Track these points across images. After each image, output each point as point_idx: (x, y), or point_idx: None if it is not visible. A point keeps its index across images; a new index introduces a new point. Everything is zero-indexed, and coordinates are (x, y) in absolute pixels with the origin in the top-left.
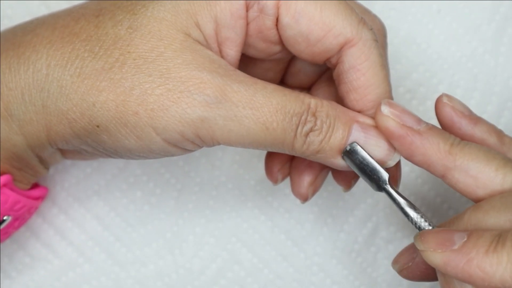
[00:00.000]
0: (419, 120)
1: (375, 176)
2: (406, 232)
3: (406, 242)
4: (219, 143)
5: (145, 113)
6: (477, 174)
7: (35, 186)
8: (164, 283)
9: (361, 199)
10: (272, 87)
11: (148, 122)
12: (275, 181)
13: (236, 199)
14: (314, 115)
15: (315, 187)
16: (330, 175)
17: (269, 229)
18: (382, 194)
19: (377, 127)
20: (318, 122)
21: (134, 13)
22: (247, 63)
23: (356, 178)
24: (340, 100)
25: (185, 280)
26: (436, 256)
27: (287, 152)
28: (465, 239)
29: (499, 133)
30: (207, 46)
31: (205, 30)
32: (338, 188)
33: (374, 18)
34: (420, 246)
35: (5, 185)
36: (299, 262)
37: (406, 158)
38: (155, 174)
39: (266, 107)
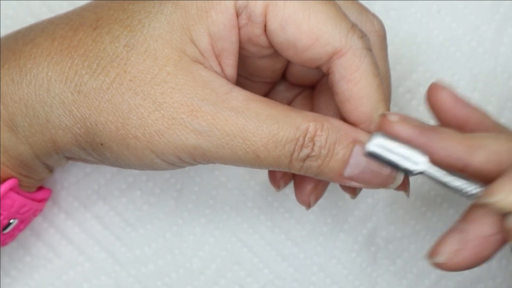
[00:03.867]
0: (423, 122)
1: (409, 164)
2: (406, 232)
3: (406, 242)
4: (217, 163)
5: (143, 137)
6: (496, 148)
7: (39, 187)
8: (164, 283)
9: (361, 199)
10: (266, 113)
11: (147, 145)
12: (277, 188)
13: (236, 199)
14: (312, 140)
15: (316, 195)
16: None
17: (269, 229)
18: (382, 194)
19: None
20: (316, 148)
21: (131, 30)
22: (244, 60)
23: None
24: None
25: (185, 279)
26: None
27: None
28: None
29: (491, 117)
30: (204, 61)
31: (200, 45)
32: (339, 188)
33: (373, 18)
34: (492, 198)
35: (11, 189)
36: (299, 262)
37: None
38: (155, 173)
39: (257, 136)
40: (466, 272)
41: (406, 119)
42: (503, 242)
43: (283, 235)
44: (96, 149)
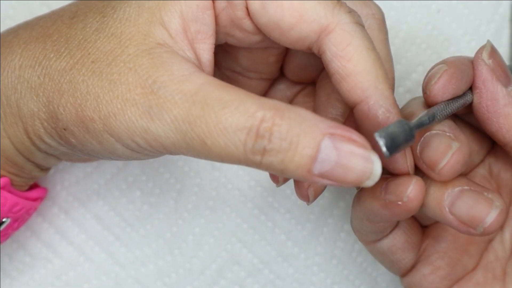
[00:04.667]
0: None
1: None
2: None
3: None
4: (176, 154)
5: (99, 119)
6: None
7: (34, 186)
8: (163, 283)
9: None
10: (217, 97)
11: (104, 128)
12: (276, 182)
13: (236, 200)
14: (269, 130)
15: (315, 189)
16: None
17: (269, 229)
18: None
19: (355, 137)
20: (274, 140)
21: (103, 15)
22: (235, 54)
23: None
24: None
25: (184, 280)
26: None
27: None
28: None
29: None
30: (173, 44)
31: (170, 27)
32: (339, 187)
33: (369, 3)
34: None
35: (3, 187)
36: (300, 262)
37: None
38: (155, 174)
39: (203, 122)
40: None
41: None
42: None
43: (284, 236)
44: (62, 136)
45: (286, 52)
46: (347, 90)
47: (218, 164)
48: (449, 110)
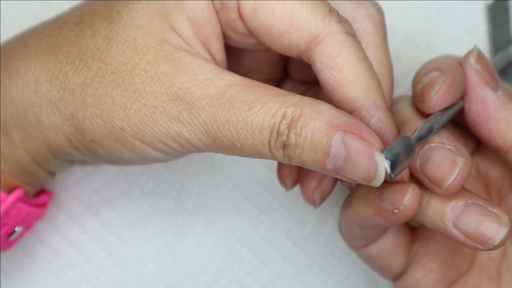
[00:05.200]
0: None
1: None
2: None
3: None
4: (207, 152)
5: (129, 128)
6: None
7: (41, 191)
8: (164, 283)
9: None
10: (242, 99)
11: (135, 136)
12: (285, 187)
13: (236, 199)
14: (288, 126)
15: (321, 192)
16: None
17: (269, 229)
18: None
19: (367, 135)
20: (291, 136)
21: (110, 21)
22: (239, 55)
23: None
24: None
25: (185, 279)
26: None
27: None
28: None
29: None
30: (189, 49)
31: (181, 32)
32: (339, 187)
33: (367, 4)
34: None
35: (18, 199)
36: (300, 262)
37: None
38: (155, 173)
39: (230, 124)
40: None
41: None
42: None
43: (284, 235)
44: (89, 148)
45: None
46: (338, 100)
47: (218, 163)
48: (445, 119)
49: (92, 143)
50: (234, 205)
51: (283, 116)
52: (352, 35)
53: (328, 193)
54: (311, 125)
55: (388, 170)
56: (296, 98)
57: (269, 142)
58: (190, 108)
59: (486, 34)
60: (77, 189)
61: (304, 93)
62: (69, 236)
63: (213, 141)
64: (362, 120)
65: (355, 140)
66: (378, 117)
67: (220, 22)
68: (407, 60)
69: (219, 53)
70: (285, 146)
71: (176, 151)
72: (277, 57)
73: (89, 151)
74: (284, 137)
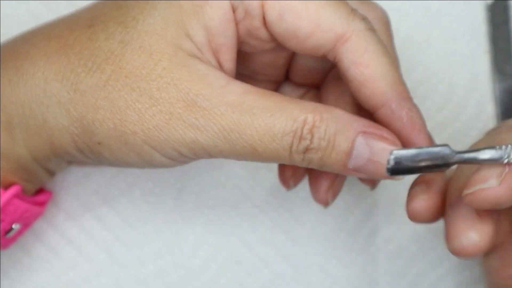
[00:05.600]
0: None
1: (439, 162)
2: (406, 232)
3: (406, 241)
4: (219, 157)
5: (142, 132)
6: None
7: (40, 190)
8: (163, 283)
9: (361, 199)
10: (262, 106)
11: (146, 141)
12: (287, 187)
13: (236, 199)
14: (310, 131)
15: (334, 191)
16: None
17: (269, 228)
18: (382, 194)
19: (385, 134)
20: (315, 140)
21: (125, 26)
22: (245, 58)
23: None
24: (354, 96)
25: (185, 279)
26: None
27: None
28: None
29: None
30: (201, 56)
31: (196, 40)
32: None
33: (374, 5)
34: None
35: (15, 195)
36: (299, 262)
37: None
38: (155, 173)
39: (253, 130)
40: (466, 272)
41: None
42: None
43: (283, 235)
44: (94, 150)
45: (293, 56)
46: (367, 95)
47: (218, 163)
48: (479, 160)
49: (99, 146)
50: (234, 205)
51: (305, 122)
52: (374, 30)
53: (339, 192)
54: (333, 128)
55: (389, 165)
56: (311, 104)
57: (291, 146)
58: (208, 115)
59: (486, 34)
60: (77, 189)
61: (302, 96)
62: (69, 236)
63: (232, 147)
64: (394, 112)
65: (378, 141)
66: (408, 107)
67: (238, 32)
68: (407, 60)
69: (228, 63)
70: (307, 150)
71: (184, 157)
72: (284, 60)
73: (93, 153)
74: (308, 142)
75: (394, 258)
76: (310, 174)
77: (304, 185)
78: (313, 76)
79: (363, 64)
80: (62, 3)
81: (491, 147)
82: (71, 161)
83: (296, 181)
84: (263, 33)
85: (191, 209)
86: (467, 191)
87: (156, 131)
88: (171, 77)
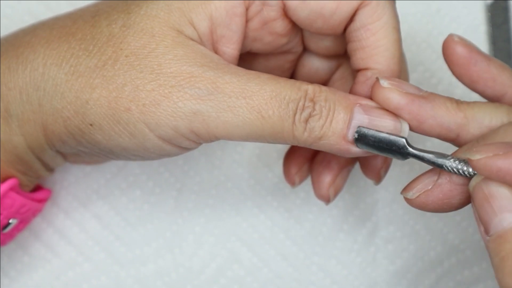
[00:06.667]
0: (419, 88)
1: (394, 148)
2: (405, 232)
3: (406, 241)
4: (216, 137)
5: (137, 109)
6: (491, 122)
7: (39, 188)
8: (163, 282)
9: (361, 199)
10: (266, 76)
11: (140, 118)
12: (292, 184)
13: (236, 198)
14: (312, 100)
15: (336, 188)
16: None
17: (268, 228)
18: (382, 194)
19: (380, 106)
20: (317, 107)
21: (128, 12)
22: (251, 61)
23: (384, 168)
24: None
25: (184, 279)
26: (497, 161)
27: (289, 143)
28: None
29: (509, 70)
30: (201, 43)
31: (199, 28)
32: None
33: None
34: (476, 156)
35: (11, 189)
36: (299, 262)
37: (416, 129)
38: (155, 173)
39: (260, 95)
40: (466, 272)
41: (399, 86)
42: (469, 198)
43: (283, 235)
44: (86, 133)
45: (298, 58)
46: (361, 57)
47: (218, 162)
48: (432, 161)
49: (90, 127)
50: (234, 204)
51: (307, 91)
52: (393, 3)
53: (341, 188)
54: (333, 98)
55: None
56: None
57: (295, 114)
58: (212, 83)
59: (486, 34)
60: (77, 189)
61: None
62: (69, 236)
63: (236, 116)
64: (372, 78)
65: (375, 109)
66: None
67: (253, 26)
68: (408, 60)
69: (226, 56)
70: (310, 117)
71: (180, 137)
72: (289, 63)
73: (84, 137)
74: (310, 109)
75: (393, 258)
76: (313, 170)
77: (304, 186)
78: (318, 76)
79: (371, 31)
80: (62, 3)
81: (443, 155)
82: (66, 155)
83: (301, 178)
84: (279, 25)
85: (191, 208)
86: (405, 194)
87: (153, 106)
88: (174, 54)
